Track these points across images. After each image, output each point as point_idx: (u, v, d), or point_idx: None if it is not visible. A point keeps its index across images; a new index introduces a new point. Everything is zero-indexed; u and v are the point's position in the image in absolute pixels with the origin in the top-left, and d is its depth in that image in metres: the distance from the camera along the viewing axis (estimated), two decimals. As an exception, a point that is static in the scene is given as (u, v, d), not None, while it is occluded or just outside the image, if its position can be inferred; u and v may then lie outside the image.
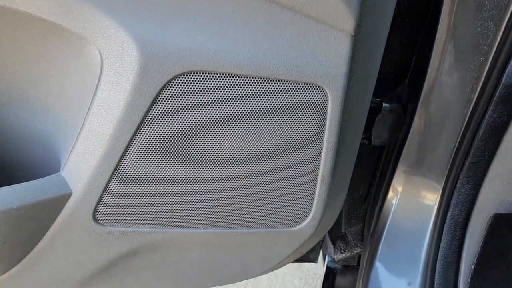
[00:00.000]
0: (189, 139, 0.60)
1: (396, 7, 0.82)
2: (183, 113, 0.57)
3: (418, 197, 0.93)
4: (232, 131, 0.60)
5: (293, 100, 0.58)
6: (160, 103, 0.56)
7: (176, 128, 0.58)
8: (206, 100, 0.57)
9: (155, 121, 0.57)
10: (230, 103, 0.58)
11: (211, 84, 0.56)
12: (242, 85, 0.57)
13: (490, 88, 0.71)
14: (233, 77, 0.56)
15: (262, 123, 0.60)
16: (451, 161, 0.83)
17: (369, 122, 0.90)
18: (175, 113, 0.57)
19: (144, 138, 0.58)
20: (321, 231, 0.82)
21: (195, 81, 0.56)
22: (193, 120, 0.58)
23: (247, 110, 0.58)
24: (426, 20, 0.82)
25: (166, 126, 0.58)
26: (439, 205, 0.87)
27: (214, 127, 0.59)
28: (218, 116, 0.58)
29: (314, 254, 1.17)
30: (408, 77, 0.91)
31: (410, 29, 0.85)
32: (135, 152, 0.59)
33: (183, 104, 0.57)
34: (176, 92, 0.56)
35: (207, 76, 0.56)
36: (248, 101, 0.58)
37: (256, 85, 0.57)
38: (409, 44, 0.87)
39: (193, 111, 0.58)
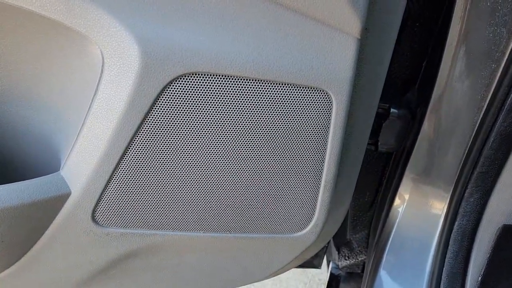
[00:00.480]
0: (190, 141, 0.59)
1: (407, 12, 0.80)
2: (185, 115, 0.56)
3: (425, 205, 0.91)
4: (234, 135, 0.59)
5: (297, 104, 0.57)
6: (161, 104, 0.55)
7: (177, 130, 0.57)
8: (208, 102, 0.56)
9: (155, 122, 0.56)
10: (231, 106, 0.56)
11: (213, 85, 0.55)
12: (245, 87, 0.55)
13: (501, 96, 0.69)
14: (235, 79, 0.55)
15: (264, 127, 0.58)
16: (459, 170, 0.81)
17: (376, 127, 0.89)
18: (176, 114, 0.56)
19: (144, 139, 0.58)
20: (324, 237, 0.80)
21: (197, 82, 0.55)
22: (195, 122, 0.57)
23: (249, 113, 0.57)
24: (437, 25, 0.81)
25: (167, 127, 0.57)
26: (447, 214, 0.85)
27: (215, 130, 0.58)
28: (220, 119, 0.57)
29: (318, 260, 1.16)
30: (418, 82, 0.89)
31: (421, 34, 0.83)
32: (135, 153, 0.59)
33: (185, 106, 0.56)
34: (178, 93, 0.55)
35: (209, 77, 0.55)
36: (250, 104, 0.57)
37: (259, 88, 0.56)
38: (419, 49, 0.85)
39: (195, 113, 0.56)
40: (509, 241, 0.79)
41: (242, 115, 0.57)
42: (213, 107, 0.56)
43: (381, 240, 0.97)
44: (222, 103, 0.56)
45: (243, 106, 0.57)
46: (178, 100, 0.55)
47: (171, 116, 0.56)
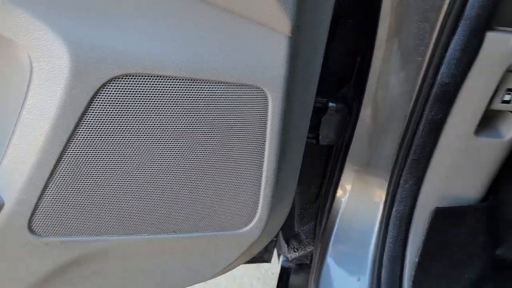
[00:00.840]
0: (126, 144, 0.58)
1: (340, 8, 0.83)
2: (120, 118, 0.56)
3: (366, 194, 0.95)
4: (171, 135, 0.59)
5: (233, 102, 0.58)
6: (95, 108, 0.54)
7: (112, 134, 0.57)
8: (144, 104, 0.56)
9: (90, 127, 0.55)
10: (168, 106, 0.56)
11: (148, 87, 0.55)
12: (180, 87, 0.56)
13: (427, 87, 0.74)
14: (170, 79, 0.55)
15: (202, 126, 0.59)
16: (394, 158, 0.85)
17: (316, 122, 0.92)
18: (111, 118, 0.55)
19: (79, 144, 0.56)
20: (270, 232, 0.82)
21: (131, 84, 0.54)
22: (130, 124, 0.57)
23: (186, 113, 0.57)
24: (368, 21, 0.84)
25: (102, 132, 0.56)
26: (385, 201, 0.90)
27: (152, 131, 0.58)
28: (156, 120, 0.57)
29: (268, 254, 1.18)
30: (353, 77, 0.93)
31: (353, 30, 0.87)
32: (70, 159, 0.57)
33: (120, 109, 0.55)
34: (111, 96, 0.54)
35: (143, 78, 0.54)
36: (187, 104, 0.57)
37: (195, 87, 0.56)
38: (352, 45, 0.88)
39: (130, 115, 0.56)
40: (441, 223, 0.85)
41: (179, 115, 0.57)
42: (149, 108, 0.56)
43: (326, 230, 1.00)
44: (157, 103, 0.56)
45: (179, 106, 0.57)
46: (113, 103, 0.55)
47: (106, 120, 0.55)
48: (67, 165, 0.57)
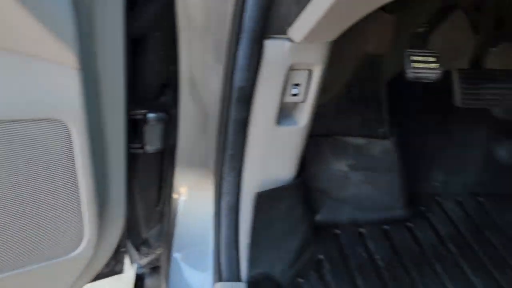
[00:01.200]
0: None
1: (143, 24, 0.87)
2: None
3: (199, 191, 1.03)
4: None
5: (35, 137, 0.59)
6: None
7: None
8: None
9: None
10: None
11: None
12: None
13: (228, 91, 0.83)
14: None
15: (5, 164, 0.58)
16: (216, 155, 0.94)
17: (140, 133, 0.96)
18: None
19: None
20: (107, 247, 0.84)
21: None
22: None
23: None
24: (174, 32, 0.90)
25: None
26: (215, 195, 0.98)
27: None
28: None
29: (119, 266, 1.18)
30: (169, 86, 0.98)
31: (163, 41, 0.92)
32: None
33: None
34: None
35: None
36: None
37: None
38: (164, 55, 0.93)
39: None
40: (263, 205, 0.96)
41: None
42: None
43: (169, 231, 1.05)
44: None
45: None
46: None
47: None
48: None
